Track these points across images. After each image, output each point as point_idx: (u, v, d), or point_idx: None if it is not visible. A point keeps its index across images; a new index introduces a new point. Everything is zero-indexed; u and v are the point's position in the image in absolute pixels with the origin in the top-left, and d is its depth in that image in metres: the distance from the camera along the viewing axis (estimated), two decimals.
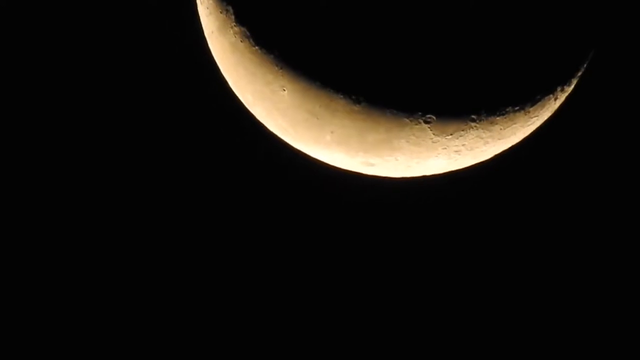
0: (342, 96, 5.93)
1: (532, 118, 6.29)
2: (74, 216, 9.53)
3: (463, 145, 6.21)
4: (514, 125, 6.23)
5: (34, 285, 9.53)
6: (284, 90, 6.13)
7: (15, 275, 9.50)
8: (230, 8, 6.29)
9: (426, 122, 5.95)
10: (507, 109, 6.06)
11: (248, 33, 6.19)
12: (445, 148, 6.20)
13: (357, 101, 5.91)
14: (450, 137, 6.10)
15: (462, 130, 6.07)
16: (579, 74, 6.48)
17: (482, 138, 6.20)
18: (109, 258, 9.54)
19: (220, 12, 6.38)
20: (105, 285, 9.55)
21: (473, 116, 5.99)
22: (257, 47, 6.16)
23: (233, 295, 9.55)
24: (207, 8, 6.60)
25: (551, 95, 6.26)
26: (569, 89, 6.48)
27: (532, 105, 6.18)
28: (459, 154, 6.33)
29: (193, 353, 9.49)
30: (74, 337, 9.47)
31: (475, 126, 6.06)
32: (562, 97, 6.44)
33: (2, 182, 9.48)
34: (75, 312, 9.51)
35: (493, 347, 9.51)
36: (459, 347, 9.53)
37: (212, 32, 6.65)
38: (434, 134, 6.05)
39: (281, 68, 6.07)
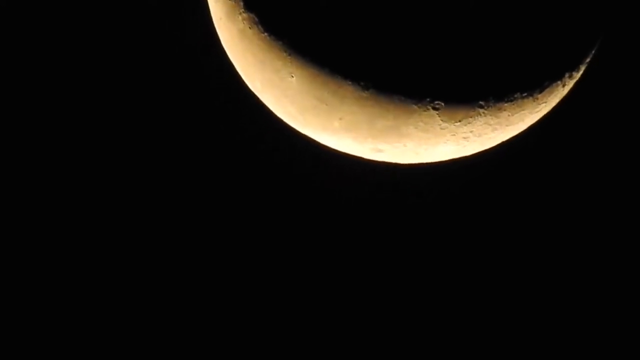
0: (350, 83, 5.94)
1: (540, 105, 6.29)
2: (82, 203, 9.55)
3: (471, 131, 6.22)
4: (522, 112, 6.24)
5: (33, 284, 9.52)
6: (293, 77, 6.14)
7: (15, 274, 9.49)
8: None
9: (434, 108, 5.96)
10: (515, 96, 6.07)
11: (256, 19, 6.20)
12: (454, 135, 6.21)
13: (365, 87, 5.92)
14: (458, 123, 6.11)
15: (470, 117, 6.08)
16: (587, 60, 6.48)
17: (490, 125, 6.20)
18: (116, 241, 9.55)
19: None
20: (108, 278, 9.56)
21: (481, 102, 6.00)
22: (265, 34, 6.17)
23: (239, 281, 9.56)
24: None
25: (559, 82, 6.26)
26: (577, 76, 6.48)
27: (540, 92, 6.18)
28: (467, 141, 6.34)
29: (193, 351, 9.48)
30: (72, 337, 9.46)
31: (484, 113, 6.07)
32: (570, 84, 6.44)
33: (5, 181, 9.47)
34: (73, 312, 9.49)
35: (505, 333, 9.52)
36: (470, 331, 9.54)
37: (221, 18, 6.66)
38: (442, 121, 6.06)
39: (290, 55, 6.08)
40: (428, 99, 5.93)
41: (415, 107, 5.96)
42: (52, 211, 9.55)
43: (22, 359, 9.44)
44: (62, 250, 9.50)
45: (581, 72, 6.52)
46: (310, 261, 9.54)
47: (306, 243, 9.53)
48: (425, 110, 5.98)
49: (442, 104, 5.95)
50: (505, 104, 6.09)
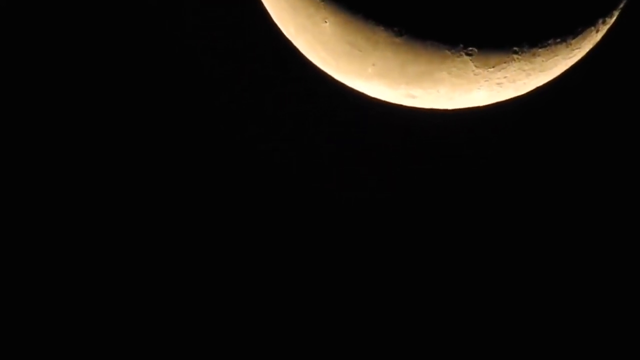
0: (383, 28, 5.94)
1: (573, 50, 6.27)
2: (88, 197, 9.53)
3: (505, 77, 6.21)
4: (556, 57, 6.22)
5: (28, 285, 9.52)
6: (326, 22, 6.15)
7: (13, 274, 9.50)
8: None
9: (468, 54, 5.96)
10: (549, 41, 6.04)
11: None
12: (487, 80, 6.21)
13: (398, 33, 5.92)
14: (492, 69, 6.10)
15: (504, 63, 6.07)
16: (621, 5, 6.43)
17: (524, 70, 6.19)
18: (122, 237, 9.53)
19: None
20: (107, 277, 9.56)
21: (515, 48, 5.99)
22: None
23: (249, 249, 9.56)
24: None
25: (592, 27, 6.23)
26: (611, 21, 6.44)
27: (573, 38, 6.16)
28: (501, 87, 6.33)
29: (192, 351, 9.49)
30: (69, 337, 9.48)
31: (517, 58, 6.05)
32: (603, 30, 6.40)
33: (5, 181, 9.45)
34: (72, 312, 9.50)
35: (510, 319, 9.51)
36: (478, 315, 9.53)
37: None
38: (475, 66, 6.05)
39: (323, 0, 6.08)
40: (461, 45, 5.92)
41: (448, 52, 5.96)
42: (57, 208, 9.52)
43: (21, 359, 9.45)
44: (61, 249, 9.50)
45: (614, 18, 6.47)
46: (346, 204, 9.54)
47: (338, 184, 9.52)
48: (458, 56, 5.98)
49: (476, 49, 5.95)
50: (539, 50, 6.07)
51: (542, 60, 6.16)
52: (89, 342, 9.47)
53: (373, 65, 6.21)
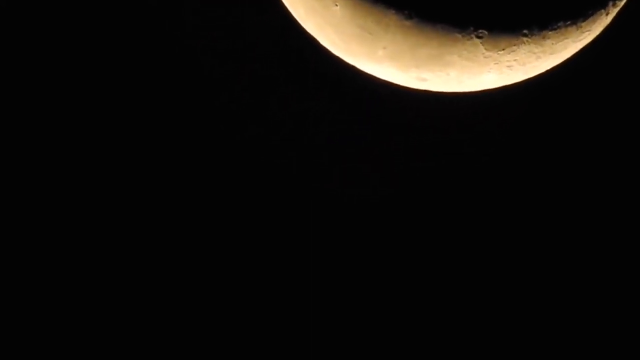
0: (394, 11, 5.95)
1: (583, 33, 6.27)
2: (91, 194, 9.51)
3: (515, 60, 6.22)
4: (566, 40, 6.22)
5: (28, 283, 9.51)
6: (336, 5, 6.16)
7: (11, 273, 9.51)
8: None
9: (478, 37, 5.97)
10: (559, 24, 6.05)
11: None
12: (497, 63, 6.22)
13: (409, 16, 5.93)
14: (502, 52, 6.11)
15: (514, 45, 6.08)
16: None
17: (534, 53, 6.20)
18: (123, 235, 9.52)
19: None
20: (106, 277, 9.54)
21: (525, 31, 5.99)
22: None
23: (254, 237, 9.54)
24: None
25: (602, 10, 6.23)
26: (621, 4, 6.44)
27: (584, 20, 6.16)
28: (511, 69, 6.34)
29: (192, 351, 9.48)
30: (67, 337, 9.48)
31: (527, 41, 6.06)
32: (613, 12, 6.41)
33: (5, 180, 9.44)
34: (69, 312, 9.49)
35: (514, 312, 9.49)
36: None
37: None
38: (485, 49, 6.06)
39: None
40: (472, 28, 5.93)
41: (459, 35, 5.97)
42: (57, 208, 9.50)
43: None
44: (60, 249, 9.49)
45: (624, 0, 6.48)
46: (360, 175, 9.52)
47: (349, 165, 9.51)
48: (468, 39, 5.99)
49: (486, 32, 5.96)
50: (549, 32, 6.08)
51: (552, 43, 6.17)
52: (87, 342, 9.48)
53: (384, 48, 6.22)
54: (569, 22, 6.08)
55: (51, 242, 9.50)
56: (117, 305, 9.50)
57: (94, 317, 9.49)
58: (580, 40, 6.35)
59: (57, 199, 9.50)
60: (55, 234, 9.50)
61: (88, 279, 9.49)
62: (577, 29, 6.18)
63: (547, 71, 6.71)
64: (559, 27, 6.06)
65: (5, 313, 9.45)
